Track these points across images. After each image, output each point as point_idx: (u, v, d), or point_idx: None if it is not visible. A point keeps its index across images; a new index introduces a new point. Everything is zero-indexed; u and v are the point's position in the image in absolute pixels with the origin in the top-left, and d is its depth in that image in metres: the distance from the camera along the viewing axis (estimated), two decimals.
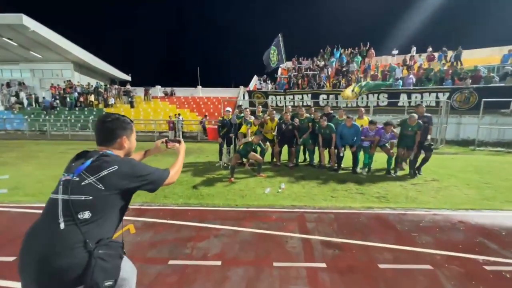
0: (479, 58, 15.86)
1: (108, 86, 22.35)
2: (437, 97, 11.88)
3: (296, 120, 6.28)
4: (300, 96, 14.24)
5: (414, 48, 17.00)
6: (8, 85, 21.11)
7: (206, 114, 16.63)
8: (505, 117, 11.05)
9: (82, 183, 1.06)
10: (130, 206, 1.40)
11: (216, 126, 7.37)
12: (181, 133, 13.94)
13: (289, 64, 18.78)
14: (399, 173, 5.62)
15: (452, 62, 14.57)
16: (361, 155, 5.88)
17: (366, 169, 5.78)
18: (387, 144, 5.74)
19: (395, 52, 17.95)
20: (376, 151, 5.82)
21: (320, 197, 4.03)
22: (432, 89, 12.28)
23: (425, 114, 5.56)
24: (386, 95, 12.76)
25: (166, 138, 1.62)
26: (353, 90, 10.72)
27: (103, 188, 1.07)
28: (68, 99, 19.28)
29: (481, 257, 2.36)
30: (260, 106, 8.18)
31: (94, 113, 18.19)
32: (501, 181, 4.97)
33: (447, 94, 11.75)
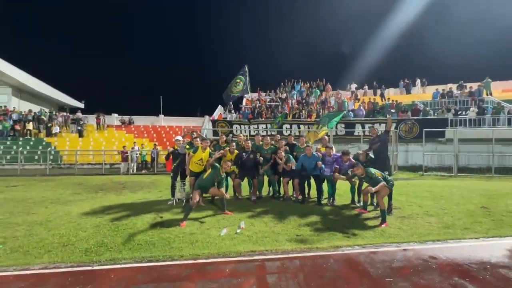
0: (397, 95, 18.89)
1: (54, 113, 19.90)
2: (386, 127, 13.08)
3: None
4: (264, 126, 14.38)
5: (355, 85, 20.14)
6: None
7: (155, 143, 15.24)
8: (442, 145, 12.53)
9: None
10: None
11: (165, 157, 6.40)
12: (135, 164, 12.51)
13: (253, 95, 19.35)
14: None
15: (381, 98, 17.79)
16: (325, 185, 5.68)
17: (331, 199, 5.54)
18: (349, 171, 5.66)
19: (353, 86, 20.18)
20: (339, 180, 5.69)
21: (284, 237, 3.50)
22: (381, 120, 13.55)
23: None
24: (343, 125, 13.68)
25: None
26: (316, 131, 10.29)
27: None
28: None
29: None
30: (224, 136, 7.72)
31: (31, 143, 15.75)
32: (455, 206, 5.14)
33: (394, 125, 13.02)
